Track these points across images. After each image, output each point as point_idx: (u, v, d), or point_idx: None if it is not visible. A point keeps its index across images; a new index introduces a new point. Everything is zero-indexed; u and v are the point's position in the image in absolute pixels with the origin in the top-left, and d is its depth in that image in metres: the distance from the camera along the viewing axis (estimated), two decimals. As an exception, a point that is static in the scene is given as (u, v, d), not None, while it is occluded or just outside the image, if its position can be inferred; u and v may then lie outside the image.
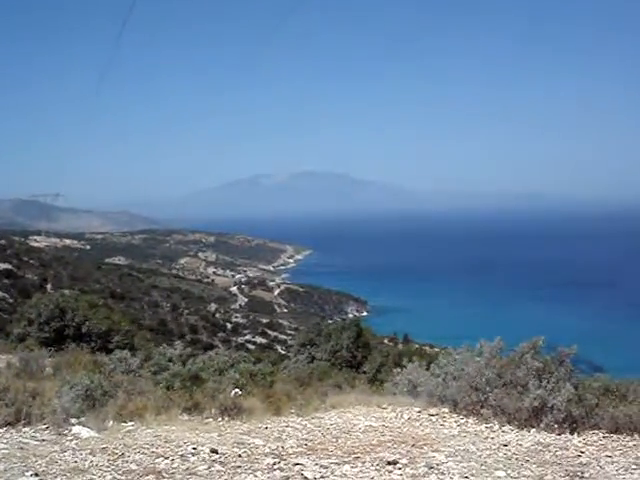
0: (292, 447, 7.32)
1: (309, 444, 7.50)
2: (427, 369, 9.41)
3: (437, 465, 6.57)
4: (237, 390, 9.81)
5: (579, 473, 6.54)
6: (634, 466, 6.77)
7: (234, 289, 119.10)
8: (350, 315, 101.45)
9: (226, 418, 8.66)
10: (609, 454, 7.23)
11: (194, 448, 7.01)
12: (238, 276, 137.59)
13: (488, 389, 8.17)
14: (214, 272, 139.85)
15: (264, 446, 7.30)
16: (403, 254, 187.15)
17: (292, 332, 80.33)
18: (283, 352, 57.49)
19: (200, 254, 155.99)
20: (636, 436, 7.77)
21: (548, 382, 7.90)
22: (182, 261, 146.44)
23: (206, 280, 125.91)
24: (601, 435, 7.84)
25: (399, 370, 10.03)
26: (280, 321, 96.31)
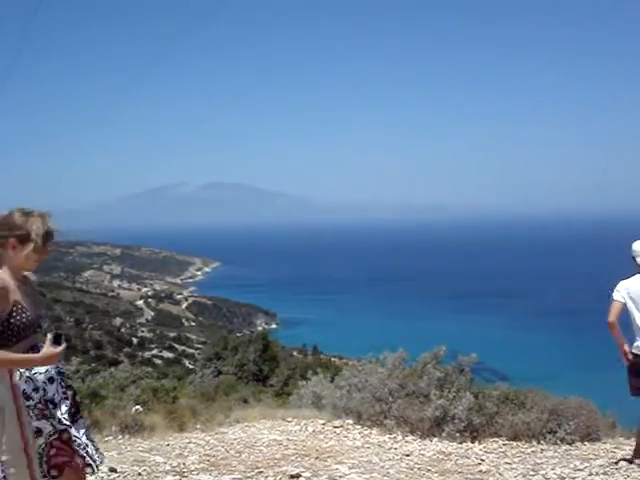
0: (194, 463, 7.18)
1: (211, 460, 7.37)
2: (332, 381, 9.41)
3: (340, 477, 6.56)
4: (138, 407, 9.58)
5: (479, 481, 6.66)
6: (532, 472, 6.92)
7: (140, 303, 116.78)
8: (259, 328, 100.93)
9: (127, 436, 8.44)
10: (508, 461, 7.38)
11: (92, 468, 6.78)
12: (144, 289, 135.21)
13: (391, 400, 8.24)
14: (119, 285, 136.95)
15: (165, 463, 7.13)
16: (313, 266, 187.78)
17: (200, 346, 79.32)
18: (191, 366, 56.72)
19: (105, 267, 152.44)
20: (534, 442, 7.97)
21: (449, 391, 8.03)
22: (86, 274, 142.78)
23: (111, 294, 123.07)
24: (501, 442, 8.01)
25: (304, 383, 10.01)
26: (188, 335, 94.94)
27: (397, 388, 8.25)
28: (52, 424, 3.57)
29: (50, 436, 3.57)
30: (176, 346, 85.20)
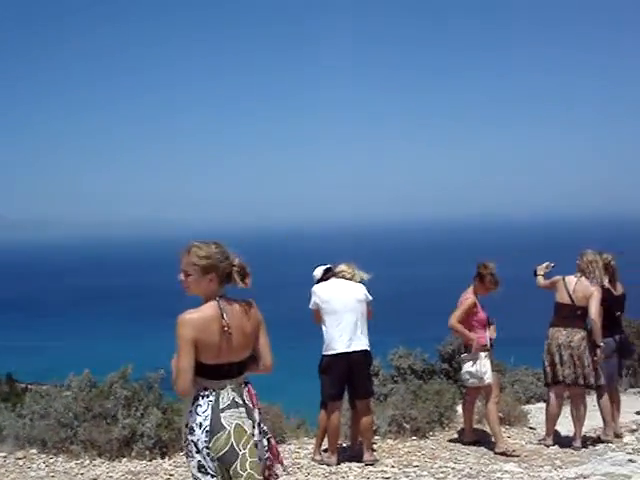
0: None
1: None
2: (13, 410, 8.85)
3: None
4: None
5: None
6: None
7: None
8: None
9: None
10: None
11: None
12: None
13: (77, 424, 7.94)
14: None
15: None
16: (8, 288, 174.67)
17: None
18: None
19: None
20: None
21: (137, 410, 7.93)
22: None
23: None
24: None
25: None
26: None
27: (83, 411, 7.97)
28: None
29: None
30: None
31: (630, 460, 7.06)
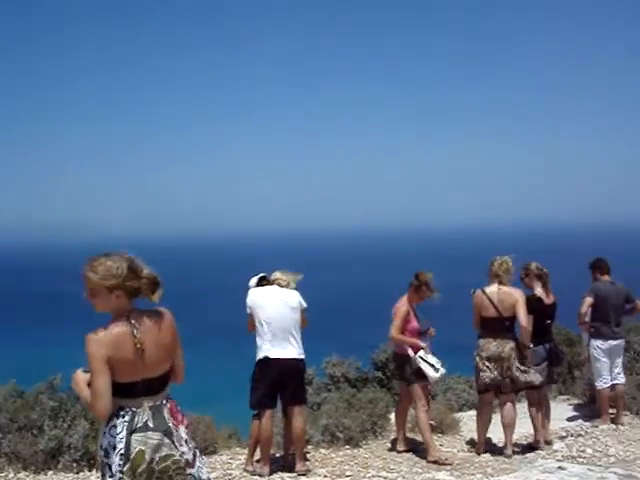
0: None
1: None
2: None
3: None
4: None
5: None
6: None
7: None
8: None
9: None
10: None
11: None
12: None
13: (1, 436, 7.70)
14: None
15: None
16: None
17: None
18: None
19: None
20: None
21: (64, 421, 7.72)
22: None
23: None
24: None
25: None
26: None
27: (7, 423, 7.73)
28: None
29: None
30: None
31: (560, 467, 7.14)
